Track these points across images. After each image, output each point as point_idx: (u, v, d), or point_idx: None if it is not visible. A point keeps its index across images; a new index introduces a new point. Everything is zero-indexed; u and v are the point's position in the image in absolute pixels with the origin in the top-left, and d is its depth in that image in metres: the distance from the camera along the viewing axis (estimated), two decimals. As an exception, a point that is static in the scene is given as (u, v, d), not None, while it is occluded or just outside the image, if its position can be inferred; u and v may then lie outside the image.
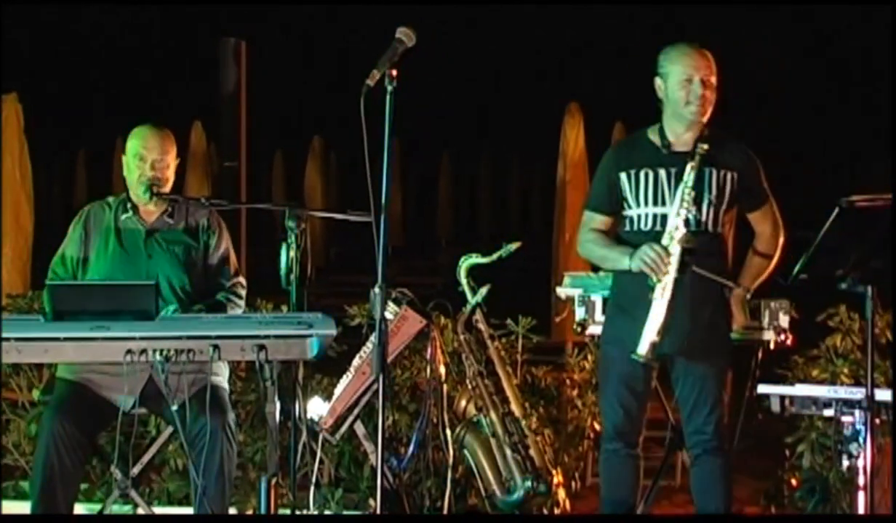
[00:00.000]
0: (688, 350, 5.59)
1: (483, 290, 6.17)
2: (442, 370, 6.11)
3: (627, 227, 5.70)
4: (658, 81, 5.67)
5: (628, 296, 5.67)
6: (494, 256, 6.12)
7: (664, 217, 5.59)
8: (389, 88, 4.64)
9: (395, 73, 4.63)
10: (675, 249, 5.49)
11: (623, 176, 5.68)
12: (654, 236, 5.57)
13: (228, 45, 10.89)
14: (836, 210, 5.07)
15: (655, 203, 5.62)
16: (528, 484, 6.02)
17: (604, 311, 6.21)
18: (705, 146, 5.50)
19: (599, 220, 5.78)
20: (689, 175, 5.51)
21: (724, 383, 5.73)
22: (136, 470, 5.93)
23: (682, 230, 5.49)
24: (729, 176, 5.63)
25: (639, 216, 5.66)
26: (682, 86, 5.60)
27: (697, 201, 5.56)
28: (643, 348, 5.48)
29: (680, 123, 5.64)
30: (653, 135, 5.72)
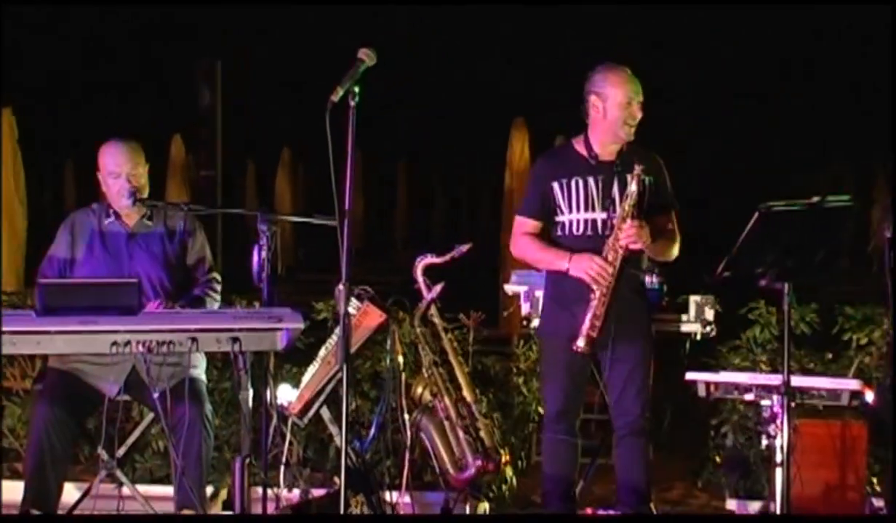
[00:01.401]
0: (618, 339, 5.59)
1: (437, 287, 6.17)
2: (400, 360, 6.09)
3: (560, 232, 5.70)
4: (594, 99, 5.65)
5: (564, 293, 5.68)
6: (447, 257, 6.12)
7: (594, 221, 5.62)
8: (352, 104, 4.63)
9: (356, 89, 4.63)
10: (619, 257, 5.52)
11: (555, 185, 5.68)
12: (586, 239, 5.61)
13: (205, 65, 10.87)
14: (756, 214, 5.10)
15: (587, 209, 5.64)
16: (479, 462, 6.01)
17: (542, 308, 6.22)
18: (642, 166, 5.50)
19: (532, 225, 5.78)
20: (630, 188, 5.51)
21: (649, 368, 5.75)
22: (120, 452, 5.91)
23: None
24: (646, 181, 5.65)
25: (570, 221, 5.66)
26: (623, 108, 5.61)
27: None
28: (582, 341, 5.50)
29: (610, 138, 5.66)
30: (579, 147, 5.72)
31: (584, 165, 5.68)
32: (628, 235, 5.51)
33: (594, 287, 5.50)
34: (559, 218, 5.70)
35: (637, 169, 5.50)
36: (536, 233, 5.78)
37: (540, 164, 5.90)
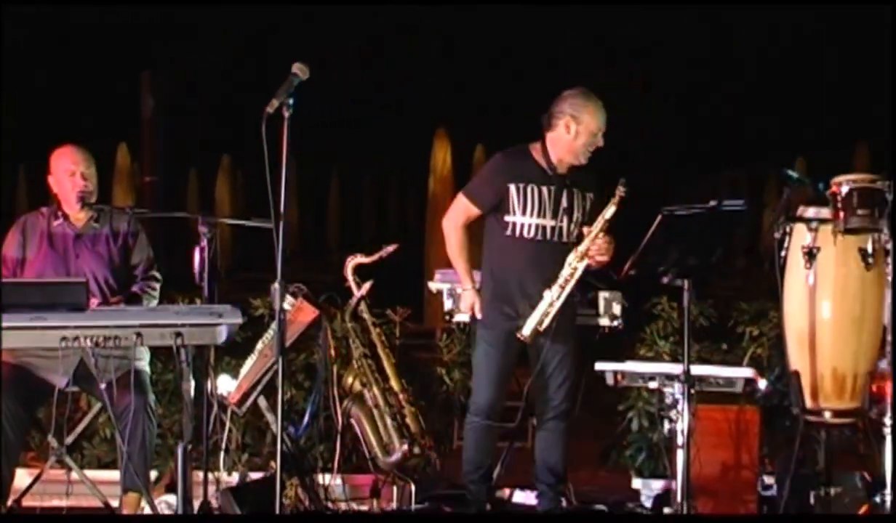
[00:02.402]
0: (555, 331, 5.64)
1: (367, 285, 6.17)
2: (332, 352, 6.09)
3: (510, 232, 5.71)
4: (569, 120, 5.64)
5: (507, 290, 5.71)
6: (375, 257, 6.12)
7: (544, 227, 5.66)
8: (286, 115, 4.61)
9: (290, 102, 4.61)
10: (583, 264, 5.59)
11: (512, 187, 5.68)
12: (535, 243, 5.67)
13: (149, 77, 10.77)
14: (659, 217, 5.15)
15: (539, 215, 5.67)
16: (405, 447, 6.03)
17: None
18: (624, 189, 5.52)
19: (475, 213, 5.80)
20: (610, 207, 5.56)
21: (577, 359, 5.81)
22: (69, 440, 5.86)
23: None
24: (588, 197, 5.71)
25: (522, 224, 5.68)
26: (592, 136, 5.66)
27: (570, 218, 5.63)
28: (528, 330, 5.55)
29: (571, 158, 5.70)
30: (537, 155, 5.74)
31: (541, 174, 5.70)
32: (600, 249, 5.58)
33: (553, 285, 5.54)
34: (510, 218, 5.70)
35: (620, 189, 5.53)
36: (473, 219, 5.81)
37: (500, 162, 5.82)
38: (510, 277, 5.70)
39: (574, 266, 5.58)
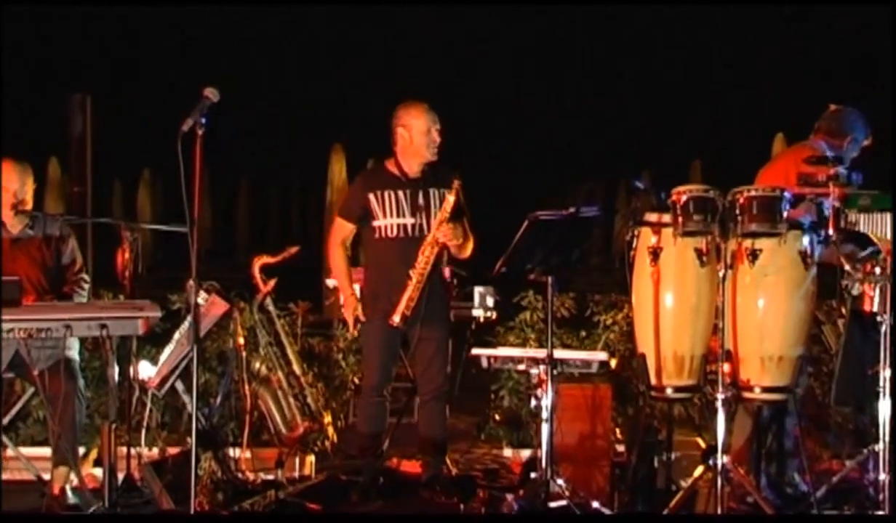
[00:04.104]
0: (426, 319, 5.64)
1: (272, 282, 6.14)
2: (241, 341, 6.04)
3: (377, 235, 5.72)
4: (401, 130, 5.70)
5: (379, 286, 5.69)
6: (280, 257, 6.10)
7: (404, 225, 5.66)
8: (199, 132, 4.56)
9: (203, 121, 4.56)
10: (435, 251, 5.59)
11: (372, 197, 5.70)
12: (399, 240, 5.65)
13: (78, 98, 10.56)
14: (526, 221, 5.19)
15: (398, 215, 5.68)
16: (307, 423, 6.01)
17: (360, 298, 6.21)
18: (459, 181, 5.59)
19: (349, 228, 5.82)
20: (449, 198, 5.60)
21: (449, 345, 5.82)
22: (5, 421, 5.75)
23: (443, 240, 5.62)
24: (444, 192, 5.72)
25: (385, 226, 5.69)
26: (425, 134, 5.68)
27: (428, 214, 5.64)
28: (397, 317, 5.54)
29: (416, 160, 5.71)
30: (391, 167, 5.77)
31: (395, 181, 5.72)
32: (446, 234, 5.59)
33: (411, 274, 5.54)
34: (376, 223, 5.71)
35: (455, 183, 5.59)
36: (350, 234, 5.82)
37: (359, 181, 5.92)
38: (382, 274, 5.70)
39: (427, 254, 5.61)
